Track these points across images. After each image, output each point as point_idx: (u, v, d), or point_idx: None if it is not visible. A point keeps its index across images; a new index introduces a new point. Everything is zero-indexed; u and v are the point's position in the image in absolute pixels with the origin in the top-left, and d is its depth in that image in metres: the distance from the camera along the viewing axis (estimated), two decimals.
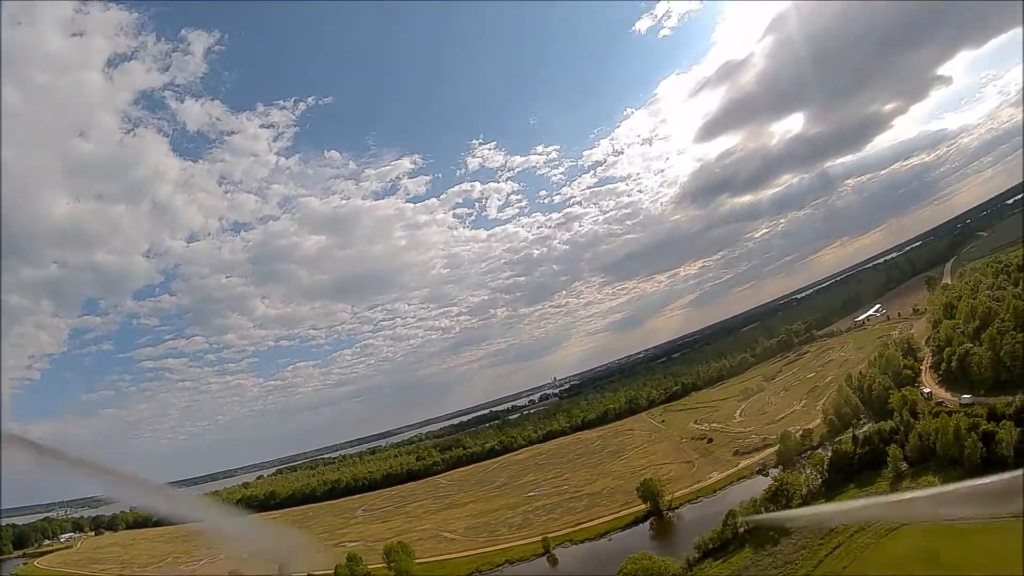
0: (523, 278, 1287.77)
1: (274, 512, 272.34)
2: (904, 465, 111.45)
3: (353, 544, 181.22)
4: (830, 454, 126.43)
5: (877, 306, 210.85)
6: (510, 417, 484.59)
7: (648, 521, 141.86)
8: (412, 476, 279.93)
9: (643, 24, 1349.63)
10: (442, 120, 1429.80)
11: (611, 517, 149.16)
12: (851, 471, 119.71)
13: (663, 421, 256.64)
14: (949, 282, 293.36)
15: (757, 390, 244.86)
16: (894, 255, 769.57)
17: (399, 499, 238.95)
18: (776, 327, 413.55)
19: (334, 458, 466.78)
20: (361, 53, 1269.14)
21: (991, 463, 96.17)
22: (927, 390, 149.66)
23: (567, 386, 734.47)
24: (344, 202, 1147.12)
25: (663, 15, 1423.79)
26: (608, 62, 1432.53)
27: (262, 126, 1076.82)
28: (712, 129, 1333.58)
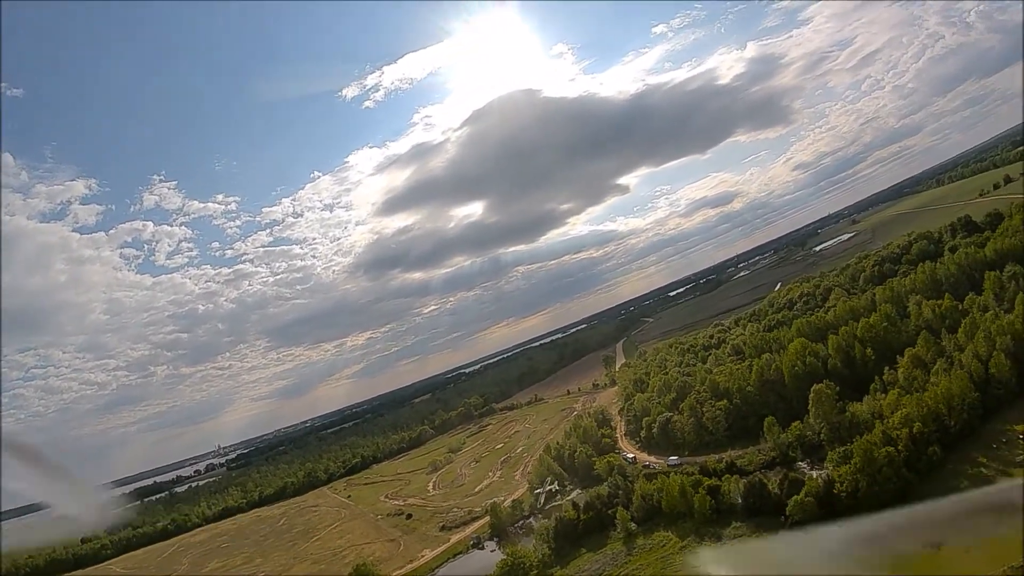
0: (186, 335, 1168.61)
1: None
2: (633, 525, 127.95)
3: None
4: (554, 522, 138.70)
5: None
6: (177, 490, 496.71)
7: None
8: (79, 563, 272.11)
9: (350, 91, 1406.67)
10: (127, 147, 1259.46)
11: None
12: (577, 536, 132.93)
13: (350, 496, 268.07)
14: (624, 360, 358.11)
15: (445, 462, 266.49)
16: (559, 335, 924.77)
17: None
18: (450, 399, 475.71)
19: None
20: (66, 51, 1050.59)
21: (721, 512, 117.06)
22: (630, 455, 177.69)
23: (234, 455, 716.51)
24: (8, 218, 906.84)
25: (372, 87, 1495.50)
26: (307, 121, 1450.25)
27: None
28: (394, 205, 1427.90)
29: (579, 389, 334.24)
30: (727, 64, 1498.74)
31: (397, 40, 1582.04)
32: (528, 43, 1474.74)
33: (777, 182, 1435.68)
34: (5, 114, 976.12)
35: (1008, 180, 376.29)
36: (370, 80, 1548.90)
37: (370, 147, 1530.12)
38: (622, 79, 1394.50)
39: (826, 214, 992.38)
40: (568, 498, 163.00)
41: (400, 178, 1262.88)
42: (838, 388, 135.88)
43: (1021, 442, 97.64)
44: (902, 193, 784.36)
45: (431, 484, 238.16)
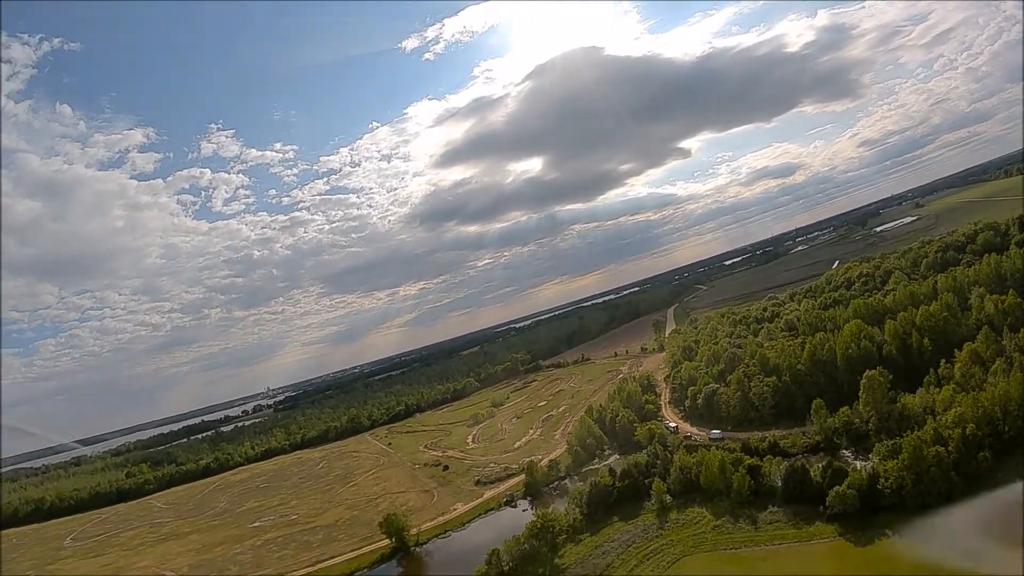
0: (241, 279, 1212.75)
1: None
2: (668, 498, 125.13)
3: None
4: (589, 487, 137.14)
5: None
6: (223, 429, 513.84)
7: (396, 558, 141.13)
8: (123, 496, 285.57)
9: (411, 43, 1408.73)
10: (185, 96, 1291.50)
11: (354, 553, 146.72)
12: (611, 504, 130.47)
13: (390, 444, 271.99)
14: (674, 326, 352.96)
15: (487, 416, 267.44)
16: (612, 296, 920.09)
17: (111, 525, 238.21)
18: (497, 353, 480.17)
19: (37, 469, 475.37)
20: (124, 5, 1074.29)
21: (759, 494, 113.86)
22: (672, 424, 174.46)
23: (282, 397, 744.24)
24: (67, 167, 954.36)
25: (432, 39, 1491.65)
26: (367, 72, 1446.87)
27: None
28: (452, 158, 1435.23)
29: (627, 352, 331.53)
30: (796, 31, 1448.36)
31: None
32: None
33: (841, 157, 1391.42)
34: (63, 68, 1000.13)
35: None
36: (431, 32, 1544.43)
37: (429, 99, 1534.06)
38: (688, 41, 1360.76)
39: (889, 195, 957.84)
40: (605, 463, 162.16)
41: (459, 131, 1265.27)
42: (891, 376, 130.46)
43: None
44: (968, 180, 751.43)
45: (471, 437, 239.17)
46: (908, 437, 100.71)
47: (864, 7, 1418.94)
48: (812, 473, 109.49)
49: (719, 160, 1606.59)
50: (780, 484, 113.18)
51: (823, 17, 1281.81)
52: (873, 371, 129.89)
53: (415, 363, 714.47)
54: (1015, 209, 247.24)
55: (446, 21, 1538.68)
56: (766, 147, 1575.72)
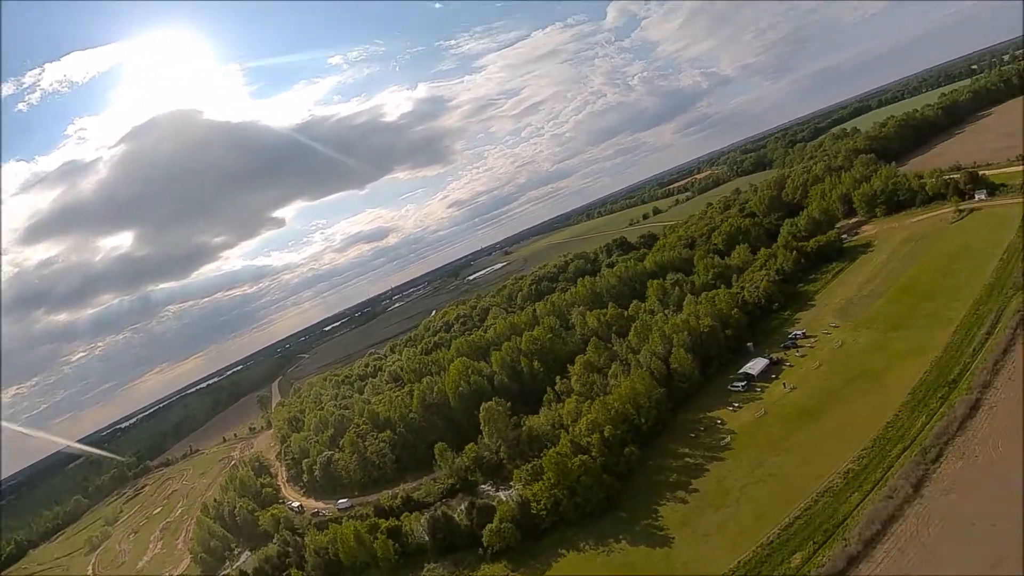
0: None
1: None
2: None
3: None
4: None
5: None
6: None
7: None
8: None
9: (7, 89, 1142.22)
10: None
11: None
12: None
13: None
14: (279, 399, 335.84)
15: (104, 537, 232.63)
16: (216, 379, 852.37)
17: None
18: (104, 462, 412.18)
19: None
20: None
21: (409, 554, 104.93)
22: (296, 503, 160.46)
23: None
24: None
25: (29, 86, 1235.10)
26: None
27: None
28: (38, 232, 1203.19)
29: (236, 436, 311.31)
30: (395, 102, 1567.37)
31: (66, 33, 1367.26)
32: (201, 58, 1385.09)
33: (432, 218, 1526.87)
34: None
35: (656, 211, 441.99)
36: (29, 78, 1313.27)
37: (17, 160, 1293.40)
38: (289, 107, 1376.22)
39: (479, 247, 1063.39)
40: (236, 565, 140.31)
41: (46, 200, 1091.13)
42: (510, 404, 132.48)
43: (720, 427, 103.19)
44: (553, 227, 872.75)
45: (91, 567, 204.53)
46: (547, 455, 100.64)
47: (463, 81, 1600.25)
48: (457, 518, 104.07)
49: (313, 228, 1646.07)
50: (428, 538, 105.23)
51: (423, 89, 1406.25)
52: (489, 402, 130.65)
53: (22, 487, 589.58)
54: (600, 243, 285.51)
55: (47, 66, 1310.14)
56: (360, 213, 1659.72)
